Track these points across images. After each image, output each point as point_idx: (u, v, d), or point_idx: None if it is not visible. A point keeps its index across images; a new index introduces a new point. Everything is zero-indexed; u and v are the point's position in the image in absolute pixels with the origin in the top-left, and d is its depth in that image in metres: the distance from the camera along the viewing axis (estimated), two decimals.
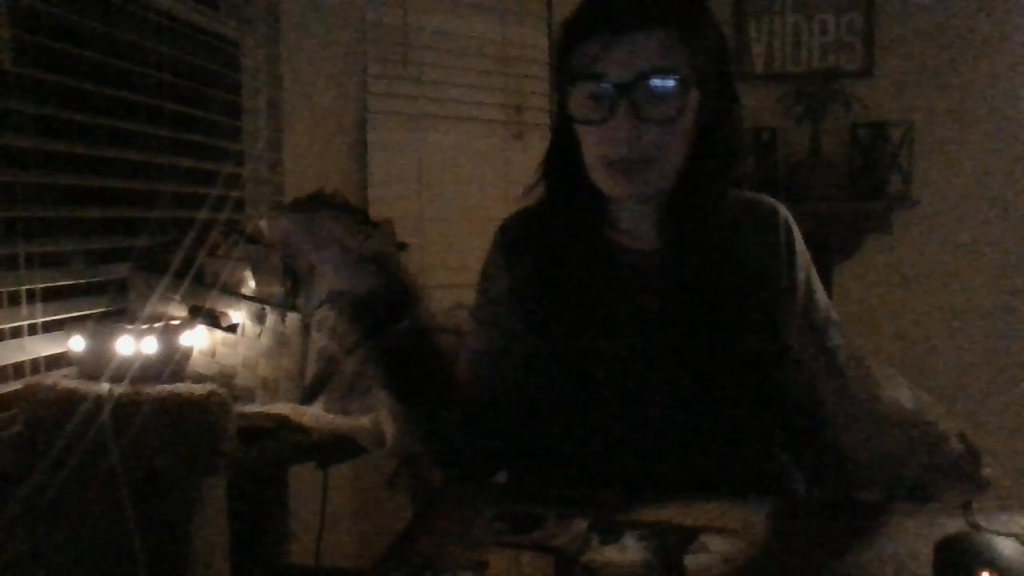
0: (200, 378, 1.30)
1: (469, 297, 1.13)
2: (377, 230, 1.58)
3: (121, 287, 1.42)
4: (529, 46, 2.51)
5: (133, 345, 1.19)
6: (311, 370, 1.36)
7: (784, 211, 1.06)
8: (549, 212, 1.06)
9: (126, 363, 1.17)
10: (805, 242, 1.07)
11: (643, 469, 0.97)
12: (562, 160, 1.04)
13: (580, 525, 0.80)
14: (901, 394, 0.89)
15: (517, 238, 1.10)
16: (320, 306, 1.36)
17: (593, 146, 0.96)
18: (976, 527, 0.76)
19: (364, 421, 1.27)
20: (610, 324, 1.00)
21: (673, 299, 0.99)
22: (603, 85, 0.92)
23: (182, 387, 1.14)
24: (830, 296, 1.06)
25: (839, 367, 0.97)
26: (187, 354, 1.28)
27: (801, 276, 1.04)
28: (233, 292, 1.35)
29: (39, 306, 1.26)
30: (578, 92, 0.95)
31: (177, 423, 1.10)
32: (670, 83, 0.91)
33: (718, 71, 0.97)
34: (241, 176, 1.88)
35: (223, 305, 1.35)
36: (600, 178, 0.98)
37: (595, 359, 0.99)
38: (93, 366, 1.19)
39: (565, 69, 0.97)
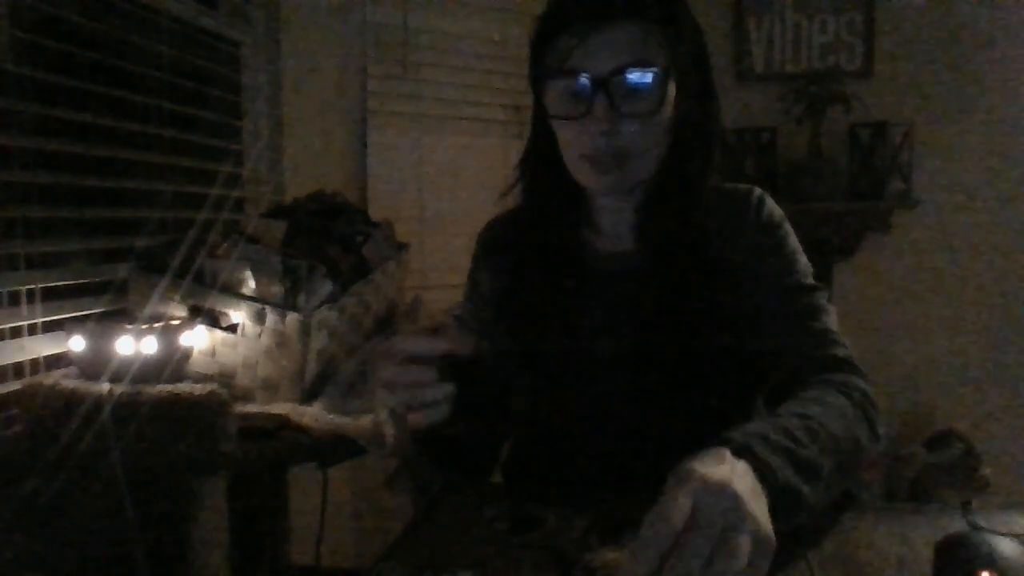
0: (200, 378, 1.30)
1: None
2: (377, 230, 1.59)
3: (121, 287, 1.42)
4: (529, 46, 2.50)
5: (133, 345, 1.19)
6: (311, 370, 1.36)
7: (759, 191, 1.04)
8: (527, 214, 1.05)
9: (126, 363, 1.17)
10: (805, 242, 1.06)
11: (626, 470, 0.97)
12: (539, 160, 1.03)
13: (580, 525, 0.80)
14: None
15: (496, 241, 1.09)
16: (320, 306, 1.36)
17: (570, 142, 0.95)
18: (976, 527, 0.76)
19: (364, 421, 1.27)
20: (588, 326, 1.00)
21: (651, 300, 0.98)
22: (579, 80, 0.90)
23: (182, 387, 1.14)
24: (830, 297, 1.05)
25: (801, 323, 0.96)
26: (187, 354, 1.28)
27: (773, 247, 1.01)
28: (233, 292, 1.35)
29: (39, 306, 1.26)
30: (554, 88, 0.94)
31: (177, 423, 1.10)
32: (647, 77, 0.90)
33: (696, 65, 0.96)
34: (241, 176, 1.88)
35: (223, 305, 1.35)
36: (578, 173, 0.97)
37: (573, 362, 0.99)
38: (93, 366, 1.19)
39: (540, 65, 0.95)
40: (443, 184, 2.34)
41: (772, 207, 1.03)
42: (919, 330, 2.83)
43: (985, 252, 2.79)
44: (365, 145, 2.22)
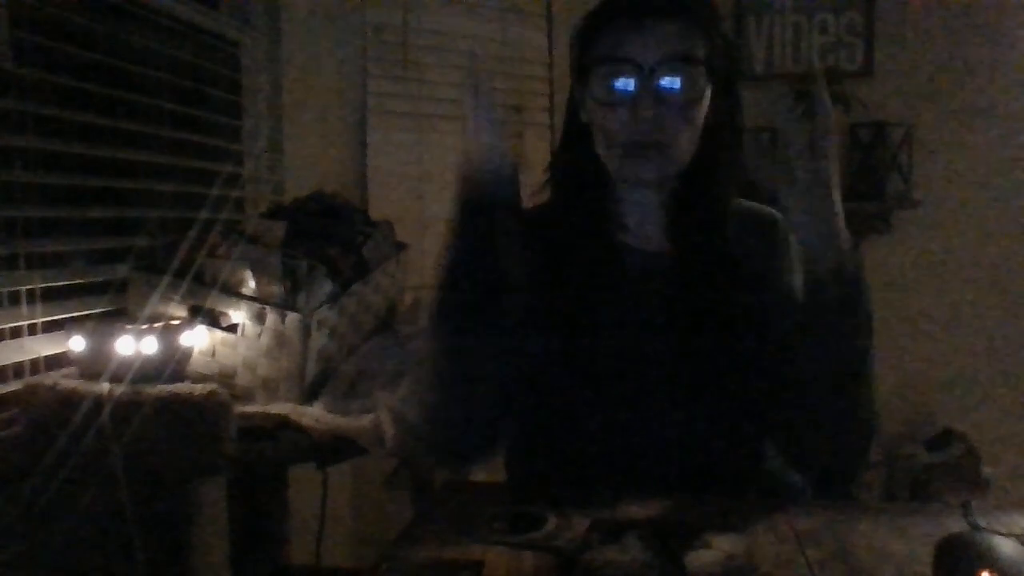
0: (200, 378, 1.30)
1: None
2: (377, 230, 1.59)
3: (121, 287, 1.42)
4: (529, 46, 2.50)
5: (133, 345, 1.19)
6: (311, 370, 1.36)
7: (784, 222, 1.07)
8: (556, 211, 1.07)
9: (126, 363, 1.17)
10: None
11: (644, 469, 0.97)
12: (571, 159, 1.05)
13: (580, 525, 0.80)
14: None
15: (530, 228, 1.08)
16: (320, 306, 1.36)
17: (611, 130, 0.98)
18: (976, 527, 0.76)
19: (364, 421, 1.27)
20: (614, 324, 1.00)
21: (678, 301, 0.99)
22: (628, 68, 0.95)
23: (182, 387, 1.14)
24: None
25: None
26: (187, 354, 1.28)
27: (797, 284, 1.03)
28: (233, 292, 1.35)
29: (39, 306, 1.26)
30: (601, 76, 0.97)
31: (177, 423, 1.10)
32: (692, 68, 0.95)
33: (727, 70, 1.00)
34: (241, 176, 1.88)
35: (223, 305, 1.35)
36: (616, 163, 0.99)
37: (598, 358, 0.99)
38: (93, 366, 1.19)
39: (586, 55, 0.99)
40: (443, 184, 2.34)
41: (795, 242, 1.06)
42: (919, 330, 2.83)
43: (985, 252, 2.79)
44: (365, 145, 2.22)
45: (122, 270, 1.42)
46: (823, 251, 0.89)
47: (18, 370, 1.24)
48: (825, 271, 0.89)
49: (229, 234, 1.43)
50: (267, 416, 1.26)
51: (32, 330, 1.26)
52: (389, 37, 2.24)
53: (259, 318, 1.33)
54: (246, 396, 1.33)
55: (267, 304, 1.33)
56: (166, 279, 1.34)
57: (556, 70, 2.52)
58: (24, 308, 1.24)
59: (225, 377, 1.33)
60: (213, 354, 1.34)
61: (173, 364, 1.22)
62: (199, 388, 1.13)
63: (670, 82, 0.95)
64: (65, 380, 1.16)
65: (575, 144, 1.04)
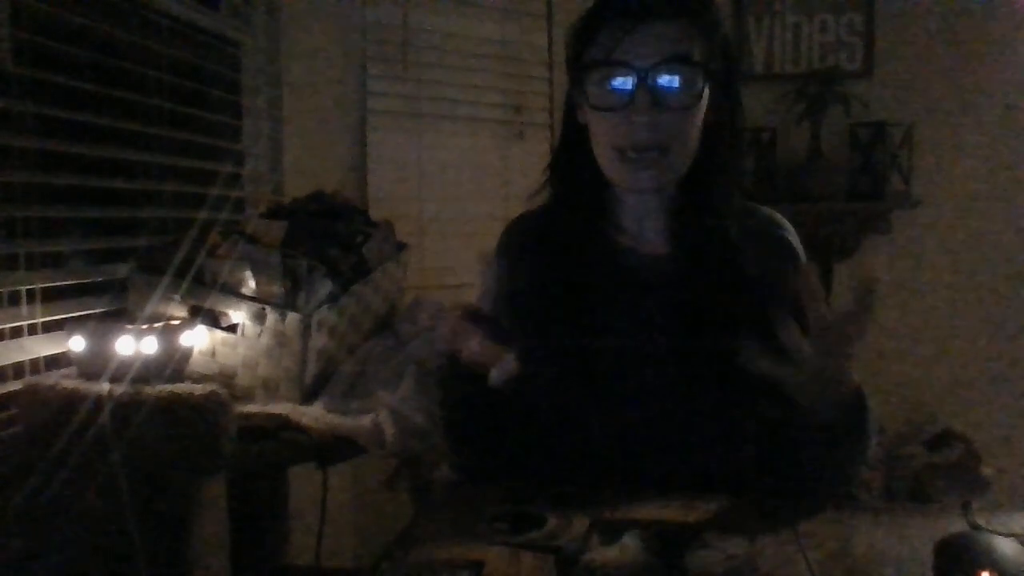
0: (200, 378, 1.30)
1: (469, 297, 1.13)
2: (377, 230, 1.59)
3: (121, 287, 1.42)
4: (529, 46, 2.50)
5: (133, 345, 1.19)
6: (311, 370, 1.36)
7: (791, 229, 1.07)
8: (554, 213, 1.06)
9: (126, 363, 1.17)
10: (805, 242, 1.07)
11: (644, 469, 0.97)
12: (569, 160, 1.05)
13: (580, 525, 0.80)
14: None
15: (521, 240, 1.10)
16: (320, 306, 1.36)
17: (609, 134, 0.97)
18: (976, 527, 0.76)
19: (364, 421, 1.27)
20: (613, 325, 1.00)
21: (678, 302, 0.99)
22: (623, 71, 0.93)
23: (182, 387, 1.14)
24: (829, 299, 1.05)
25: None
26: (187, 354, 1.28)
27: (801, 291, 1.03)
28: (233, 292, 1.35)
29: (39, 306, 1.26)
30: (596, 79, 0.96)
31: (177, 423, 1.10)
32: (688, 71, 0.93)
33: (726, 71, 0.99)
34: (241, 176, 1.88)
35: (223, 305, 1.35)
36: (614, 168, 0.98)
37: (597, 360, 0.99)
38: (93, 366, 1.18)
39: (582, 59, 0.98)
40: (443, 184, 2.34)
41: (801, 250, 1.06)
42: (919, 330, 2.83)
43: (985, 252, 2.79)
44: (365, 145, 2.22)
45: (122, 270, 1.42)
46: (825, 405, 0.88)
47: (18, 370, 1.24)
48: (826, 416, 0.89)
49: (229, 234, 1.43)
50: (267, 416, 1.26)
51: (32, 330, 1.26)
52: (389, 37, 2.24)
53: (259, 318, 1.33)
54: (246, 396, 1.33)
55: (267, 304, 1.33)
56: (166, 279, 1.34)
57: (556, 70, 2.52)
58: (24, 308, 1.24)
59: (225, 377, 1.33)
60: (213, 354, 1.34)
61: (173, 364, 1.22)
62: (199, 388, 1.13)
63: (667, 84, 0.93)
64: (65, 380, 1.15)
65: (573, 145, 1.04)
